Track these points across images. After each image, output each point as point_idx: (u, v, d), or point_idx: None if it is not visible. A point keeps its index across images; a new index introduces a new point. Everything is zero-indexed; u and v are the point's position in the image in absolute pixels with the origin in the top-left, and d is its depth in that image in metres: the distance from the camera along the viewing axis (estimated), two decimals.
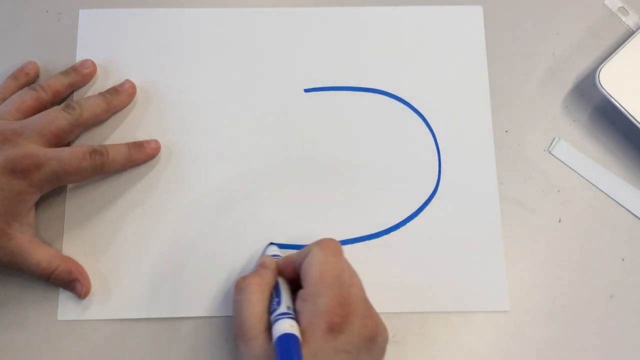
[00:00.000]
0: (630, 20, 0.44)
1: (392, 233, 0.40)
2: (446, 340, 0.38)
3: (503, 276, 0.39)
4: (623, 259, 0.40)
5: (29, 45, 0.42)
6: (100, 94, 0.40)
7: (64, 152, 0.36)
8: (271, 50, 0.43)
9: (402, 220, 0.40)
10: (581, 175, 0.41)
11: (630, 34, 0.43)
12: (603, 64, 0.40)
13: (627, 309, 0.39)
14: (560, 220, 0.40)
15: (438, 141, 0.41)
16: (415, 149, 0.41)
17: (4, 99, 0.39)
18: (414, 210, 0.40)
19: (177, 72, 0.42)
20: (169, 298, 0.38)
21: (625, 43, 0.41)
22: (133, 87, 0.41)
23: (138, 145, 0.39)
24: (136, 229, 0.39)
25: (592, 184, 0.41)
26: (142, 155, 0.39)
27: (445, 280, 0.39)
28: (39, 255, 0.36)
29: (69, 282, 0.37)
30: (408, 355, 0.38)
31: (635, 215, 0.41)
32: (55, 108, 0.38)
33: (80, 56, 0.42)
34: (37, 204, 0.38)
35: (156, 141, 0.40)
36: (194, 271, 0.38)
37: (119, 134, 0.41)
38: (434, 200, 0.40)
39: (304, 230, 0.39)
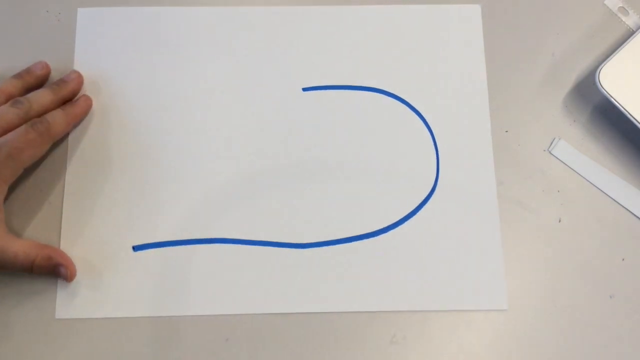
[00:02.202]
0: (630, 20, 0.44)
1: (390, 232, 0.40)
2: (446, 340, 0.38)
3: (502, 275, 0.39)
4: (623, 259, 0.40)
5: (28, 45, 0.42)
6: (47, 86, 0.40)
7: (8, 136, 0.36)
8: (269, 49, 0.43)
9: (400, 219, 0.40)
10: (581, 175, 0.41)
11: (630, 34, 0.43)
12: (603, 64, 0.40)
13: (627, 309, 0.39)
14: (560, 220, 0.40)
15: (436, 140, 0.41)
16: (413, 147, 0.41)
17: (11, 97, 0.39)
18: (412, 208, 0.40)
19: (175, 70, 0.42)
20: (167, 296, 0.38)
21: (625, 43, 0.41)
22: (79, 76, 0.41)
23: (70, 102, 0.40)
24: (134, 227, 0.39)
25: (592, 184, 0.41)
26: (77, 109, 0.40)
27: (444, 278, 0.39)
28: (15, 248, 0.36)
29: (52, 268, 0.37)
30: (408, 355, 0.38)
31: (635, 215, 0.41)
32: (4, 105, 0.38)
33: (78, 54, 0.42)
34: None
35: (85, 95, 0.41)
36: (193, 270, 0.38)
37: (120, 133, 0.41)
38: (432, 199, 0.40)
39: (301, 228, 0.39)
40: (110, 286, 0.38)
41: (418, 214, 0.40)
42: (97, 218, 0.39)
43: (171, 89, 0.42)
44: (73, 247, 0.39)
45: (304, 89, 0.42)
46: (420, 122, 0.42)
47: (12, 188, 0.38)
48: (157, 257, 0.39)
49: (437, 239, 0.40)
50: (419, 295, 0.39)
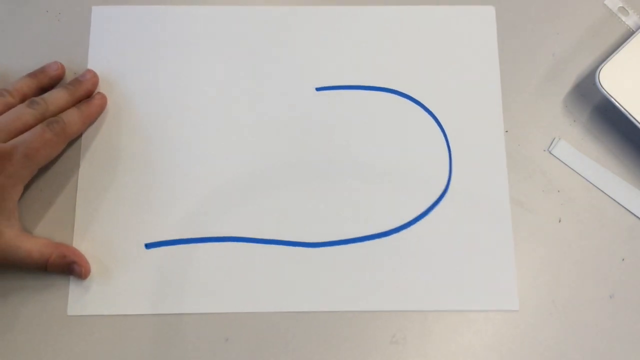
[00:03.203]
0: (630, 20, 0.44)
1: (401, 232, 0.40)
2: (446, 340, 0.38)
3: (513, 275, 0.39)
4: (623, 259, 0.40)
5: (28, 46, 0.43)
6: (63, 86, 0.40)
7: (25, 136, 0.36)
8: (283, 48, 0.43)
9: (413, 219, 0.40)
10: (581, 175, 0.41)
11: (630, 34, 0.43)
12: (603, 64, 0.40)
13: (627, 309, 0.39)
14: (560, 220, 0.40)
15: (449, 141, 0.41)
16: (426, 148, 0.41)
17: (25, 97, 0.39)
18: (424, 209, 0.40)
19: (188, 68, 0.42)
20: (178, 294, 0.38)
21: (625, 43, 0.41)
22: (95, 76, 0.41)
23: (84, 101, 0.40)
24: (147, 225, 0.39)
25: (592, 184, 0.41)
26: (92, 108, 0.40)
27: (455, 279, 0.39)
28: (29, 246, 0.36)
29: (66, 266, 0.37)
30: (408, 355, 0.38)
31: (635, 215, 0.41)
32: (20, 105, 0.38)
33: (92, 52, 0.42)
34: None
35: (100, 93, 0.41)
36: (203, 268, 0.39)
37: (132, 131, 0.41)
38: (444, 200, 0.40)
39: (313, 228, 0.40)
40: (122, 283, 0.38)
41: (430, 214, 0.40)
42: (110, 216, 0.39)
43: (184, 88, 0.42)
44: (86, 245, 0.39)
45: (317, 89, 0.42)
46: (433, 122, 0.42)
47: (25, 186, 0.38)
48: (168, 255, 0.39)
49: (449, 239, 0.40)
50: (428, 296, 0.39)
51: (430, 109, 0.42)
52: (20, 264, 0.36)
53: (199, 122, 0.41)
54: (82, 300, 0.38)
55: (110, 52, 0.42)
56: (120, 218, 0.39)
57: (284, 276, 0.39)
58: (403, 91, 0.42)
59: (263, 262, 0.39)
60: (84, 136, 0.41)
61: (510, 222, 0.40)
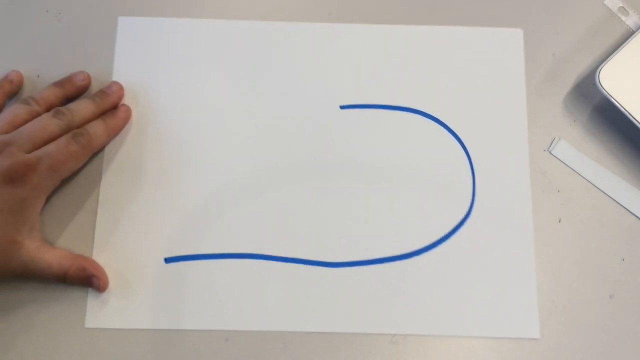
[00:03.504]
0: (630, 20, 0.44)
1: (424, 254, 0.39)
2: (446, 340, 0.38)
3: (534, 302, 0.38)
4: (623, 259, 0.40)
5: (28, 46, 0.43)
6: (89, 97, 0.40)
7: (50, 147, 0.36)
8: (309, 65, 0.42)
9: (435, 242, 0.39)
10: (581, 175, 0.41)
11: (630, 34, 0.43)
12: (603, 64, 0.40)
13: (627, 309, 0.39)
14: (560, 220, 0.40)
15: (473, 163, 0.41)
16: (449, 170, 0.41)
17: (51, 106, 0.39)
18: (446, 231, 0.39)
19: (212, 82, 0.42)
20: (196, 310, 0.38)
21: (625, 43, 0.41)
22: (121, 89, 0.41)
23: (110, 113, 0.40)
24: (167, 239, 0.39)
25: (592, 184, 0.41)
26: (117, 121, 0.40)
27: (475, 304, 0.38)
28: (49, 258, 0.36)
29: (85, 279, 0.37)
30: (408, 356, 0.38)
31: (635, 215, 0.41)
32: (46, 115, 0.38)
33: (117, 63, 0.42)
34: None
35: (125, 105, 0.41)
36: (222, 284, 0.38)
37: (155, 144, 0.41)
38: (467, 222, 0.40)
39: (334, 247, 0.39)
40: (140, 297, 0.38)
41: (452, 237, 0.39)
42: (130, 229, 0.39)
43: (209, 102, 0.41)
44: (105, 257, 0.38)
45: (342, 107, 0.42)
46: (457, 144, 0.41)
47: (47, 197, 0.38)
48: (187, 270, 0.38)
49: (470, 263, 0.39)
50: (448, 319, 0.38)
51: (455, 131, 0.41)
52: (40, 275, 0.36)
53: (223, 137, 0.41)
54: (100, 312, 0.37)
55: (135, 63, 0.42)
56: (141, 231, 0.39)
57: (302, 295, 0.38)
58: (428, 112, 0.42)
59: (281, 281, 0.38)
60: (107, 148, 0.40)
61: (533, 248, 0.39)
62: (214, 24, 0.43)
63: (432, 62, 0.43)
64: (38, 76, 0.42)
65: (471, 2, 0.44)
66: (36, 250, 0.36)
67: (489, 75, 0.42)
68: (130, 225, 0.39)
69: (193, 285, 0.38)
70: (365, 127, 0.41)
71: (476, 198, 0.40)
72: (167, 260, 0.39)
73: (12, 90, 0.40)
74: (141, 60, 0.42)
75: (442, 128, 0.41)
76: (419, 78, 0.42)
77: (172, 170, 0.40)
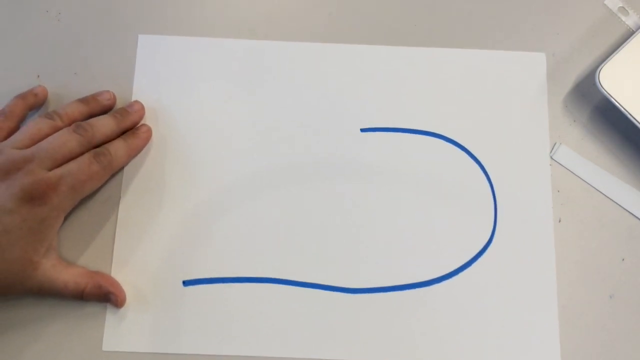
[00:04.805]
0: (630, 20, 0.44)
1: (444, 282, 0.38)
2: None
3: (556, 333, 0.38)
4: (623, 259, 0.40)
5: (28, 46, 0.43)
6: (110, 114, 0.40)
7: (71, 165, 0.36)
8: (330, 87, 0.42)
9: (456, 269, 0.39)
10: (584, 180, 0.41)
11: (630, 34, 0.43)
12: (603, 64, 0.40)
13: (627, 309, 0.39)
14: (560, 220, 0.40)
15: (495, 189, 0.40)
16: (471, 196, 0.40)
17: (74, 121, 0.38)
18: (467, 259, 0.39)
19: (233, 103, 0.41)
20: (214, 335, 0.37)
21: (625, 43, 0.41)
22: (142, 108, 0.41)
23: (131, 133, 0.40)
24: (185, 261, 0.39)
25: (594, 188, 0.41)
26: (138, 141, 0.40)
27: (496, 333, 0.38)
28: (65, 277, 0.36)
29: (102, 296, 0.37)
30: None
31: (635, 216, 0.41)
32: (66, 130, 0.37)
33: (138, 81, 0.42)
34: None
35: (146, 125, 0.41)
36: (240, 308, 0.38)
37: (175, 165, 0.40)
38: (488, 251, 0.39)
39: (356, 272, 0.39)
40: (158, 320, 0.38)
41: (473, 264, 0.39)
42: (149, 250, 0.39)
43: (229, 122, 0.41)
44: (123, 277, 0.38)
45: (362, 130, 0.41)
46: (479, 170, 0.41)
47: (66, 215, 0.37)
48: (206, 293, 0.38)
49: (492, 291, 0.38)
50: (467, 349, 0.37)
51: (476, 156, 0.41)
52: (57, 294, 0.36)
53: (242, 158, 0.40)
54: (117, 335, 0.37)
55: (155, 81, 0.42)
56: (160, 253, 0.39)
57: (320, 321, 0.38)
58: (449, 136, 0.41)
59: (300, 306, 0.38)
60: (126, 167, 0.40)
61: (555, 278, 0.39)
62: (233, 43, 0.42)
63: (455, 86, 0.42)
64: (38, 76, 0.42)
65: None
66: (52, 269, 0.35)
67: (511, 100, 0.42)
68: (149, 246, 0.39)
69: (212, 309, 0.38)
70: (386, 151, 0.41)
71: (497, 225, 0.40)
72: (186, 283, 0.38)
73: (36, 104, 0.40)
74: (161, 78, 0.42)
75: (463, 153, 0.41)
76: (441, 102, 0.42)
77: (191, 191, 0.40)
